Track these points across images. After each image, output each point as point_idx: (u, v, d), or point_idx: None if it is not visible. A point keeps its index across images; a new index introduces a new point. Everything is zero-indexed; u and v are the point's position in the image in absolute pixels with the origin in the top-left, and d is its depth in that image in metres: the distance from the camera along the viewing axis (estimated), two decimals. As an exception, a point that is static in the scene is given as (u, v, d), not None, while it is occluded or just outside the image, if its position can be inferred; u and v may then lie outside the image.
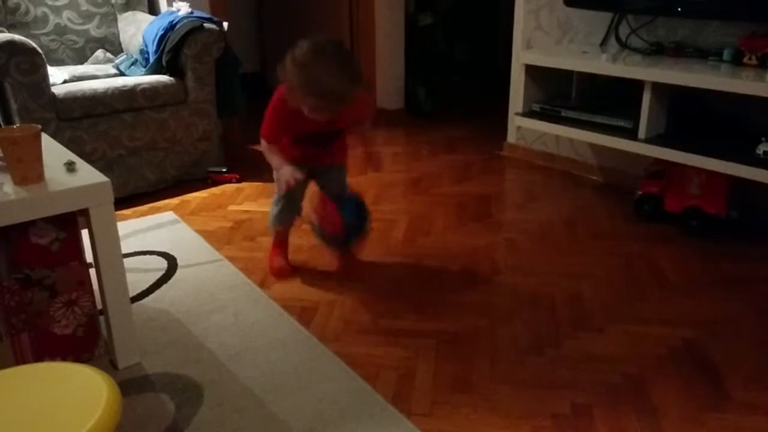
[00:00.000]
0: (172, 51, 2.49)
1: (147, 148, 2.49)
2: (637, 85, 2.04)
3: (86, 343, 1.46)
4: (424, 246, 2.08)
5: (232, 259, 1.97)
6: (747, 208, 2.12)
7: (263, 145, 1.72)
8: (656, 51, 2.25)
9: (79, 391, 0.86)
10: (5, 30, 2.46)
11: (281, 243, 1.93)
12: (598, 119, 2.23)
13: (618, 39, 2.41)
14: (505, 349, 1.53)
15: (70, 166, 1.39)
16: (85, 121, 2.33)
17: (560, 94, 2.46)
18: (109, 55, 2.79)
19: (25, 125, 1.34)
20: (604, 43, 2.47)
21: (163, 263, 1.96)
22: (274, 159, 1.70)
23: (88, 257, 1.42)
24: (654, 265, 1.93)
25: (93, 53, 2.79)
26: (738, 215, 2.08)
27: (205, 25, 2.51)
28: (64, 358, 1.42)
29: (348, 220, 1.75)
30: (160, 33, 2.52)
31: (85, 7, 2.80)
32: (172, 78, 2.52)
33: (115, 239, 1.39)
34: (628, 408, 1.32)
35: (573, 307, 1.71)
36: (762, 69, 1.92)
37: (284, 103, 1.64)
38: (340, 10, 3.60)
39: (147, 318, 1.66)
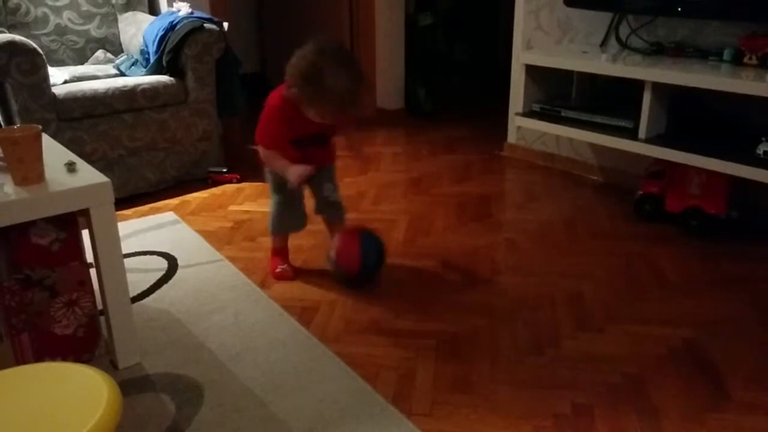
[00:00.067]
0: (173, 51, 2.49)
1: (147, 149, 2.49)
2: (637, 85, 2.05)
3: (86, 343, 1.46)
4: (424, 246, 2.08)
5: (232, 260, 1.98)
6: (747, 208, 2.12)
7: (263, 152, 1.70)
8: (656, 51, 2.25)
9: (80, 391, 0.86)
10: (6, 30, 2.46)
11: (281, 249, 1.91)
12: (599, 119, 2.23)
13: (618, 39, 2.41)
14: (505, 349, 1.53)
15: (71, 167, 1.40)
16: (85, 121, 2.33)
17: (560, 94, 2.46)
18: (109, 55, 2.79)
19: (26, 125, 1.34)
20: (604, 43, 2.48)
21: (163, 263, 1.96)
22: (278, 163, 1.69)
23: (89, 257, 1.42)
24: (654, 265, 1.93)
25: (93, 53, 2.79)
26: (738, 215, 2.08)
27: (205, 25, 2.52)
28: (64, 359, 1.42)
29: (367, 265, 1.77)
30: (161, 33, 2.52)
31: (85, 7, 2.80)
32: (172, 78, 2.52)
33: (115, 239, 1.39)
34: (628, 408, 1.32)
35: (573, 307, 1.71)
36: (762, 69, 1.92)
37: (282, 108, 1.64)
38: (340, 10, 3.60)
39: (147, 318, 1.66)
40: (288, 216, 1.85)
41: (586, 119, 2.27)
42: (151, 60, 2.57)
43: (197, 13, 2.61)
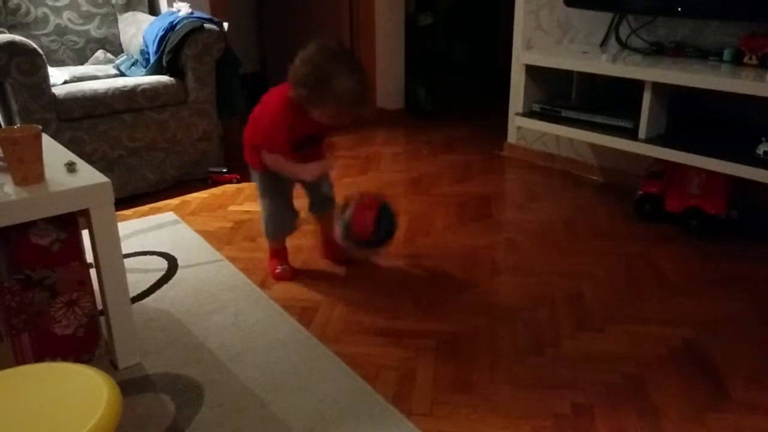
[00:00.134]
0: (173, 51, 2.49)
1: (147, 149, 2.49)
2: (637, 85, 2.04)
3: (87, 343, 1.46)
4: (424, 246, 2.08)
5: (232, 260, 1.98)
6: (747, 208, 2.12)
7: (268, 157, 1.68)
8: (656, 51, 2.25)
9: (80, 391, 0.86)
10: (6, 31, 2.46)
11: (279, 250, 1.91)
12: (599, 119, 2.23)
13: (618, 39, 2.41)
14: (505, 349, 1.53)
15: (71, 167, 1.40)
16: (85, 121, 2.33)
17: (560, 94, 2.46)
18: (109, 55, 2.79)
19: (26, 126, 1.34)
20: (604, 43, 2.48)
21: (163, 263, 1.96)
22: (286, 166, 1.69)
23: (89, 257, 1.42)
24: (654, 265, 1.93)
25: (93, 54, 2.79)
26: (738, 215, 2.08)
27: (205, 25, 2.52)
28: (64, 359, 1.42)
29: (378, 237, 1.74)
30: (161, 33, 2.52)
31: (85, 7, 2.80)
32: (172, 78, 2.52)
33: (115, 239, 1.39)
34: (628, 408, 1.32)
35: (573, 307, 1.71)
36: (762, 69, 1.92)
37: (286, 110, 1.63)
38: (340, 10, 3.60)
39: (147, 318, 1.66)
40: (281, 218, 1.84)
41: (586, 119, 2.27)
42: (151, 60, 2.57)
43: (197, 13, 2.61)
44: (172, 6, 2.78)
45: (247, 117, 1.78)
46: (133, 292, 1.77)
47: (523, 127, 2.76)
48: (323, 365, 1.47)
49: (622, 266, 1.92)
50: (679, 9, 2.09)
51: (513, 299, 1.75)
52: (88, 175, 1.38)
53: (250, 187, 2.61)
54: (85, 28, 2.80)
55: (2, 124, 2.33)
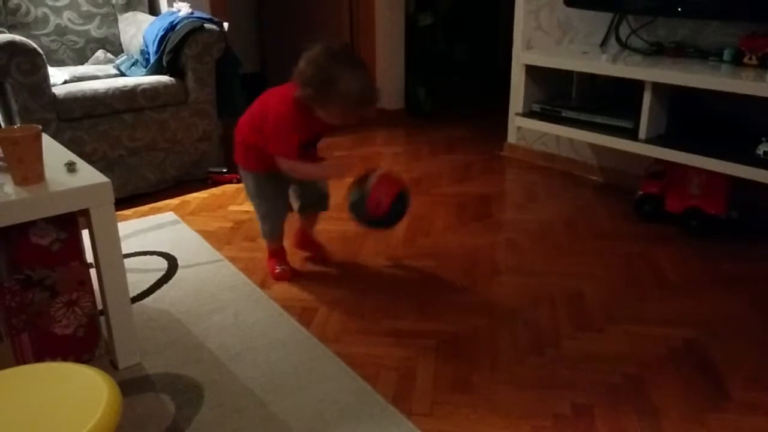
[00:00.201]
0: (173, 51, 2.49)
1: (147, 149, 2.49)
2: (637, 86, 2.04)
3: (87, 343, 1.46)
4: (424, 246, 2.08)
5: (232, 260, 1.98)
6: (747, 208, 2.11)
7: (288, 164, 1.67)
8: (656, 51, 2.25)
9: (80, 391, 0.86)
10: (6, 31, 2.46)
11: (278, 251, 1.90)
12: (599, 119, 2.23)
13: (618, 39, 2.41)
14: (505, 349, 1.53)
15: (71, 167, 1.40)
16: (85, 121, 2.33)
17: (560, 94, 2.46)
18: (109, 55, 2.79)
19: (26, 125, 1.34)
20: (604, 43, 2.48)
21: (163, 263, 1.96)
22: (309, 167, 1.70)
23: (89, 257, 1.42)
24: (654, 265, 1.93)
25: (93, 54, 2.79)
26: (738, 215, 2.08)
27: (205, 25, 2.52)
28: (64, 359, 1.42)
29: (391, 214, 1.72)
30: (161, 33, 2.52)
31: (85, 7, 2.80)
32: (172, 78, 2.52)
33: (115, 239, 1.39)
34: (628, 408, 1.32)
35: (573, 307, 1.71)
36: (762, 69, 1.92)
37: (295, 113, 1.63)
38: (340, 10, 3.60)
39: (147, 318, 1.66)
40: (277, 219, 1.84)
41: (586, 119, 2.27)
42: (151, 60, 2.57)
43: (197, 13, 2.61)
44: (172, 6, 2.78)
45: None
46: (133, 292, 1.76)
47: (523, 127, 2.76)
48: (323, 365, 1.47)
49: (622, 266, 1.92)
50: (679, 9, 2.09)
51: (513, 299, 1.75)
52: (88, 175, 1.38)
53: (250, 187, 2.61)
54: (85, 28, 2.80)
55: (2, 123, 2.33)
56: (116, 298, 1.42)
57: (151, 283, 1.85)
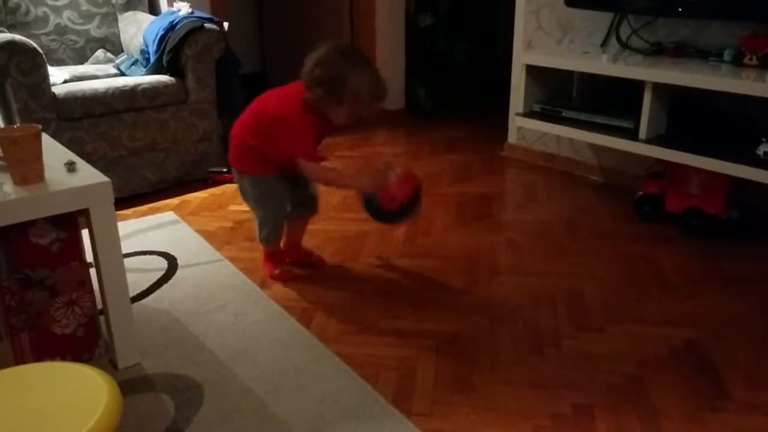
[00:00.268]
0: (173, 51, 2.49)
1: (147, 149, 2.49)
2: (637, 86, 2.04)
3: (86, 343, 1.46)
4: (424, 246, 2.08)
5: (232, 260, 1.97)
6: (747, 208, 2.11)
7: (317, 169, 1.67)
8: (657, 51, 2.25)
9: (80, 391, 0.86)
10: (5, 30, 2.46)
11: (275, 252, 1.88)
12: (599, 119, 2.23)
13: (619, 39, 2.41)
14: (505, 349, 1.53)
15: (71, 166, 1.40)
16: (85, 121, 2.33)
17: (561, 94, 2.46)
18: (109, 55, 2.79)
19: (26, 125, 1.34)
20: (604, 43, 2.47)
21: (163, 263, 1.96)
22: (335, 174, 1.70)
23: (89, 257, 1.42)
24: (654, 265, 1.93)
25: (93, 53, 2.79)
26: (738, 215, 2.08)
27: (205, 25, 2.51)
28: (64, 358, 1.42)
29: (401, 212, 1.71)
30: (161, 33, 2.52)
31: (85, 7, 2.80)
32: (172, 78, 2.52)
33: (115, 239, 1.39)
34: (628, 408, 1.32)
35: (573, 307, 1.71)
36: (762, 69, 1.92)
37: (309, 116, 1.63)
38: (340, 10, 3.60)
39: (147, 318, 1.66)
40: (278, 225, 1.81)
41: (587, 119, 2.27)
42: (152, 60, 2.57)
43: (197, 13, 2.61)
44: (172, 5, 2.78)
45: None
46: (133, 291, 1.76)
47: (523, 128, 2.76)
48: (323, 365, 1.46)
49: (622, 266, 1.92)
50: (680, 9, 2.09)
51: (513, 299, 1.75)
52: (88, 174, 1.38)
53: (250, 187, 2.61)
54: (85, 27, 2.80)
55: (2, 123, 2.32)
56: (116, 298, 1.42)
57: (151, 282, 1.84)
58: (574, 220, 2.27)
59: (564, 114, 2.33)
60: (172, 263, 1.96)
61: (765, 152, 1.82)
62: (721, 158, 1.87)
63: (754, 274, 1.86)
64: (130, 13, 2.89)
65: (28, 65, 2.15)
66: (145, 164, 2.49)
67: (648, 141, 2.06)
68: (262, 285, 1.83)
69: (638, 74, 2.02)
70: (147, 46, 2.62)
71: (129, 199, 2.43)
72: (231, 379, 1.42)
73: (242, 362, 1.48)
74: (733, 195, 2.05)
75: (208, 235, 2.15)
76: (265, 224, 1.81)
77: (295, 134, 1.63)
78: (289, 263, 1.90)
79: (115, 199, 1.38)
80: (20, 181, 1.30)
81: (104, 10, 2.85)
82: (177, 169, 2.58)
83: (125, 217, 2.29)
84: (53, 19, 2.72)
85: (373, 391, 1.37)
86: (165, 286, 1.82)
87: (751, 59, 1.97)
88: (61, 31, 2.74)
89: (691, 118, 2.13)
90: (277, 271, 1.86)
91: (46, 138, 1.46)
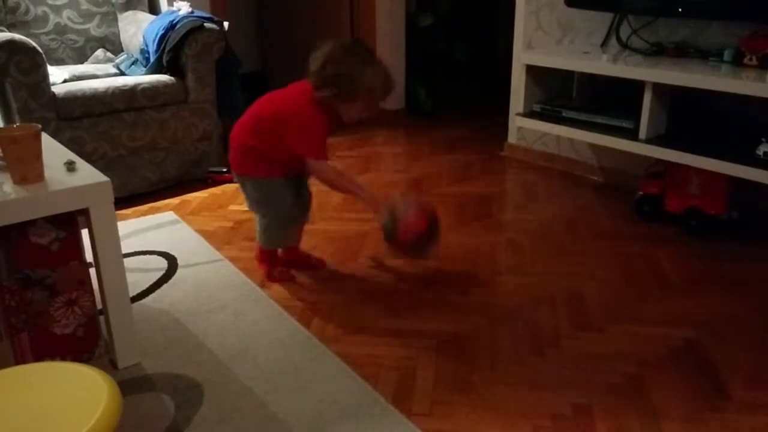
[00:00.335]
0: (173, 51, 2.49)
1: (147, 148, 2.49)
2: (637, 86, 2.04)
3: (86, 342, 1.46)
4: (424, 246, 2.08)
5: (232, 259, 1.97)
6: (747, 208, 2.11)
7: (332, 171, 1.67)
8: (657, 51, 2.25)
9: (79, 391, 0.86)
10: (5, 29, 2.46)
11: (272, 254, 1.86)
12: (599, 119, 2.23)
13: (619, 39, 2.41)
14: (505, 349, 1.53)
15: (70, 166, 1.39)
16: (85, 120, 2.33)
17: (561, 94, 2.46)
18: (109, 54, 2.79)
19: (25, 124, 1.34)
20: (604, 43, 2.47)
21: (163, 263, 1.96)
22: (344, 181, 1.69)
23: (88, 257, 1.42)
24: (654, 265, 1.93)
25: (93, 53, 2.79)
26: (738, 215, 2.08)
27: (205, 24, 2.51)
28: (63, 358, 1.42)
29: (414, 247, 1.72)
30: (161, 32, 2.52)
31: (85, 6, 2.80)
32: (172, 78, 2.52)
33: (115, 239, 1.39)
34: (628, 408, 1.32)
35: (573, 307, 1.71)
36: (762, 69, 1.92)
37: (321, 115, 1.62)
38: (340, 10, 3.59)
39: (147, 318, 1.66)
40: (284, 230, 1.79)
41: (587, 119, 2.27)
42: (151, 59, 2.57)
43: (197, 13, 2.61)
44: (172, 5, 2.78)
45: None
46: (133, 291, 1.76)
47: (523, 128, 2.76)
48: (323, 365, 1.46)
49: (622, 266, 1.92)
50: (680, 9, 2.09)
51: (513, 299, 1.75)
52: (88, 174, 1.38)
53: (250, 187, 2.61)
54: (85, 26, 2.80)
55: (2, 122, 2.32)
56: (116, 298, 1.42)
57: (151, 282, 1.84)
58: (574, 220, 2.27)
59: (564, 114, 2.33)
60: (172, 263, 1.96)
61: (765, 152, 1.82)
62: (721, 158, 1.87)
63: (754, 274, 1.86)
64: (129, 13, 2.88)
65: (27, 64, 2.15)
66: (145, 164, 2.49)
67: (648, 141, 2.06)
68: (262, 285, 1.83)
69: (638, 74, 2.02)
70: (147, 45, 2.62)
71: (129, 198, 2.43)
72: (231, 379, 1.42)
73: (242, 362, 1.48)
74: (733, 195, 2.05)
75: (208, 235, 2.15)
76: (269, 227, 1.78)
77: (306, 133, 1.62)
78: (284, 264, 1.89)
79: (115, 198, 1.38)
80: (20, 180, 1.30)
81: (104, 9, 2.85)
82: (177, 168, 2.58)
83: (125, 217, 2.29)
84: (53, 19, 2.72)
85: (373, 391, 1.37)
86: (165, 286, 1.82)
87: (751, 59, 1.97)
88: (60, 30, 2.74)
89: (691, 118, 2.13)
90: (275, 274, 1.85)
91: (45, 137, 1.46)
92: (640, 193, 2.24)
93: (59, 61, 2.70)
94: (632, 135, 2.10)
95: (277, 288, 1.82)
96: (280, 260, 1.89)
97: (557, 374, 1.43)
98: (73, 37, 2.77)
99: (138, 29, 2.74)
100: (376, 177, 2.73)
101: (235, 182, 2.49)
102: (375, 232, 2.14)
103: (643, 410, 1.32)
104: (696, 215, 2.09)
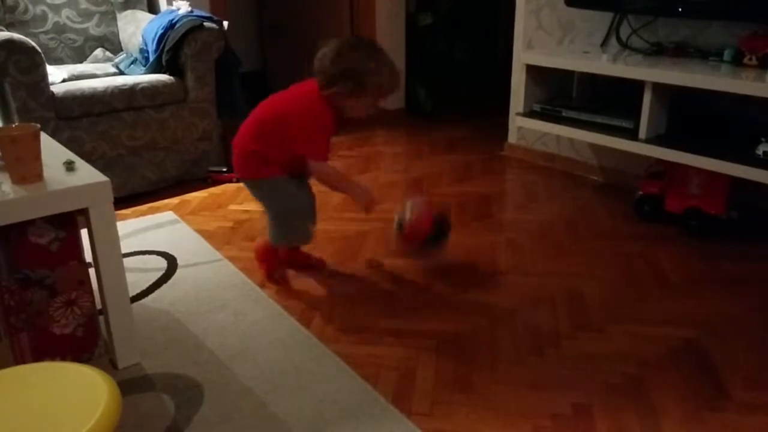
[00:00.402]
0: (172, 50, 2.49)
1: (147, 148, 2.48)
2: (637, 86, 2.04)
3: (86, 342, 1.46)
4: (424, 246, 2.08)
5: (232, 259, 1.97)
6: (747, 208, 2.11)
7: (328, 169, 1.68)
8: (657, 51, 2.25)
9: (79, 391, 0.86)
10: (4, 28, 2.46)
11: (275, 256, 1.84)
12: (599, 119, 2.23)
13: (619, 39, 2.41)
14: (505, 349, 1.53)
15: (70, 166, 1.39)
16: (84, 120, 2.32)
17: (561, 94, 2.46)
18: (108, 53, 2.79)
19: (24, 124, 1.34)
20: (604, 43, 2.47)
21: (162, 263, 1.96)
22: (344, 183, 1.73)
23: (88, 257, 1.42)
24: (654, 265, 1.92)
25: (92, 52, 2.79)
26: (738, 215, 2.08)
27: (204, 24, 2.51)
28: (63, 358, 1.42)
29: (424, 247, 1.75)
30: (160, 32, 2.51)
31: (84, 5, 2.79)
32: (171, 77, 2.52)
33: (114, 239, 1.39)
34: (628, 408, 1.32)
35: (573, 307, 1.71)
36: (762, 69, 1.92)
37: (328, 116, 1.62)
38: (340, 10, 3.59)
39: (147, 318, 1.66)
40: (303, 227, 1.77)
41: (587, 119, 2.26)
42: (151, 59, 2.56)
43: (197, 12, 2.61)
44: (171, 4, 2.78)
45: (246, 116, 1.74)
46: (133, 291, 1.76)
47: (523, 127, 2.75)
48: (323, 365, 1.46)
49: (622, 266, 1.92)
50: (680, 9, 2.09)
51: (513, 299, 1.75)
52: (87, 174, 1.38)
53: (250, 187, 2.60)
54: (84, 26, 2.80)
55: (1, 122, 2.32)
56: (115, 298, 1.42)
57: (151, 282, 1.84)
58: (574, 220, 2.26)
59: (564, 114, 2.33)
60: (172, 263, 1.95)
61: (765, 152, 1.82)
62: (721, 158, 1.87)
63: (754, 274, 1.86)
64: (129, 12, 2.88)
65: (26, 64, 2.15)
66: (144, 163, 2.49)
67: (648, 141, 2.06)
68: (262, 285, 1.83)
69: (638, 74, 2.02)
70: (146, 44, 2.62)
71: (128, 198, 2.43)
72: (231, 379, 1.42)
73: (242, 362, 1.48)
74: (733, 195, 2.05)
75: (207, 235, 2.15)
76: (287, 227, 1.77)
77: (308, 133, 1.61)
78: (285, 264, 1.88)
79: (115, 198, 1.38)
80: (19, 180, 1.30)
81: (103, 8, 2.85)
82: (177, 168, 2.58)
83: (125, 217, 2.29)
84: (52, 18, 2.72)
85: (373, 391, 1.37)
86: (165, 286, 1.82)
87: (750, 59, 1.97)
88: (59, 29, 2.73)
89: (691, 118, 2.13)
90: (275, 276, 1.83)
91: (44, 137, 1.46)
92: (640, 193, 2.24)
93: (58, 61, 2.69)
94: (632, 135, 2.10)
95: (277, 288, 1.82)
96: (280, 261, 1.88)
97: (557, 374, 1.43)
98: (72, 36, 2.77)
99: (137, 28, 2.74)
100: (376, 177, 2.73)
101: (235, 182, 2.49)
102: (375, 232, 2.14)
103: (643, 410, 1.32)
104: (696, 215, 2.09)
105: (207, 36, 2.51)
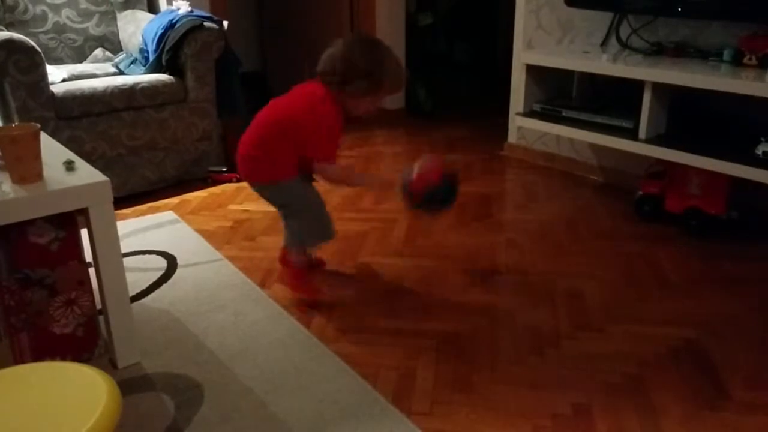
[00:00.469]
0: (172, 50, 2.49)
1: (147, 148, 2.48)
2: (637, 85, 2.04)
3: (86, 342, 1.46)
4: (424, 246, 2.08)
5: (232, 259, 1.97)
6: (747, 208, 2.11)
7: (339, 170, 1.67)
8: (657, 51, 2.25)
9: (79, 390, 0.86)
10: (4, 28, 2.46)
11: (303, 273, 1.76)
12: (599, 119, 2.23)
13: (619, 39, 2.41)
14: (505, 349, 1.53)
15: (69, 165, 1.39)
16: (84, 120, 2.32)
17: (561, 94, 2.46)
18: (108, 53, 2.79)
19: (24, 124, 1.34)
20: (604, 43, 2.47)
21: (162, 263, 1.96)
22: (353, 178, 1.75)
23: (88, 256, 1.42)
24: (654, 265, 1.92)
25: (92, 52, 2.79)
26: (738, 215, 2.08)
27: (205, 24, 2.51)
28: (63, 358, 1.42)
29: (427, 202, 1.70)
30: (160, 32, 2.51)
31: (84, 5, 2.79)
32: (171, 77, 2.51)
33: (114, 238, 1.39)
34: (628, 408, 1.32)
35: (573, 307, 1.71)
36: (762, 69, 1.92)
37: (334, 118, 1.60)
38: (340, 10, 3.59)
39: (147, 318, 1.66)
40: (326, 223, 1.71)
41: (587, 119, 2.26)
42: (151, 58, 2.56)
43: (197, 12, 2.60)
44: (171, 4, 2.78)
45: (246, 118, 1.72)
46: (133, 291, 1.76)
47: (523, 127, 2.75)
48: (323, 365, 1.46)
49: (622, 266, 1.92)
50: (680, 9, 2.09)
51: (513, 299, 1.75)
52: (87, 173, 1.38)
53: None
54: (84, 26, 2.80)
55: (1, 122, 2.32)
56: (115, 298, 1.42)
57: (151, 282, 1.84)
58: (574, 220, 2.26)
59: (564, 114, 2.33)
60: (172, 263, 1.95)
61: (764, 152, 1.82)
62: (721, 158, 1.87)
63: (754, 274, 1.86)
64: (129, 12, 2.88)
65: (26, 64, 2.15)
66: (144, 163, 2.49)
67: (648, 141, 2.06)
68: (262, 285, 1.83)
69: (638, 74, 2.02)
70: (146, 44, 2.61)
71: (128, 198, 2.43)
72: (231, 379, 1.42)
73: (242, 362, 1.48)
74: (733, 195, 2.05)
75: (207, 235, 2.15)
76: (311, 225, 1.70)
77: (318, 135, 1.59)
78: (285, 264, 1.84)
79: (115, 198, 1.38)
80: (19, 180, 1.30)
81: (103, 8, 2.85)
82: (176, 168, 2.58)
83: (124, 217, 2.29)
84: (52, 18, 2.72)
85: (373, 390, 1.37)
86: (164, 286, 1.82)
87: (750, 59, 1.97)
88: (59, 29, 2.73)
89: (691, 118, 2.13)
90: (310, 291, 1.74)
91: (44, 137, 1.46)
92: (640, 193, 2.24)
93: (58, 61, 2.69)
94: (632, 135, 2.10)
95: (277, 288, 1.82)
96: (311, 277, 1.80)
97: (557, 374, 1.43)
98: (72, 36, 2.77)
99: (137, 28, 2.74)
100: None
101: (235, 181, 2.48)
102: (375, 232, 2.14)
103: (643, 410, 1.32)
104: (696, 215, 2.09)
105: (207, 36, 2.51)
